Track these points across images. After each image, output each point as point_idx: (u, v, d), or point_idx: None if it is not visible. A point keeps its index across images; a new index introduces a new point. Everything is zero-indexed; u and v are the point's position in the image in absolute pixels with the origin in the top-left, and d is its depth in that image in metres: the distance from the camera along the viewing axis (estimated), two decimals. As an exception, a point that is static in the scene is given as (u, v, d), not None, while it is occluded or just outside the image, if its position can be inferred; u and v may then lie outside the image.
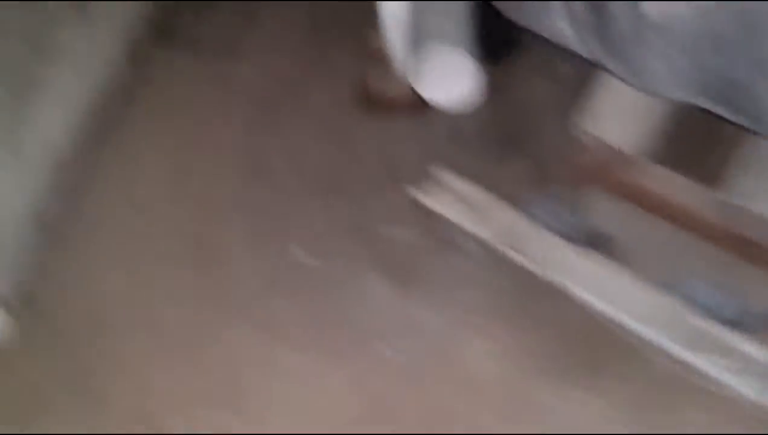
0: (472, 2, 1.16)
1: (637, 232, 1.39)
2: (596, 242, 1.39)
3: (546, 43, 1.14)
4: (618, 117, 1.29)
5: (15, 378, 1.45)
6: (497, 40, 1.34)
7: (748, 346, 1.25)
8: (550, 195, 1.44)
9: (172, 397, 1.38)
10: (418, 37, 1.15)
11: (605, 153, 1.33)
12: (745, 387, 1.23)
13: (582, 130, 1.35)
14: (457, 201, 1.45)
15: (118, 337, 1.47)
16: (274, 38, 1.74)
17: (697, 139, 1.36)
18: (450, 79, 1.13)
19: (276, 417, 1.36)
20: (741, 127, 0.95)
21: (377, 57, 1.55)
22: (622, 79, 1.02)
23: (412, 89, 1.22)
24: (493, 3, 1.08)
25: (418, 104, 1.26)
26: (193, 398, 1.38)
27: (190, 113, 1.68)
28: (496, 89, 1.35)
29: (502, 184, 1.45)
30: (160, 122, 1.67)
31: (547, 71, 1.50)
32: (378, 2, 1.29)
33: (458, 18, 1.15)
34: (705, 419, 1.25)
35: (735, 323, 1.27)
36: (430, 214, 1.47)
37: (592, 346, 1.33)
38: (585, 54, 1.04)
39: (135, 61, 1.71)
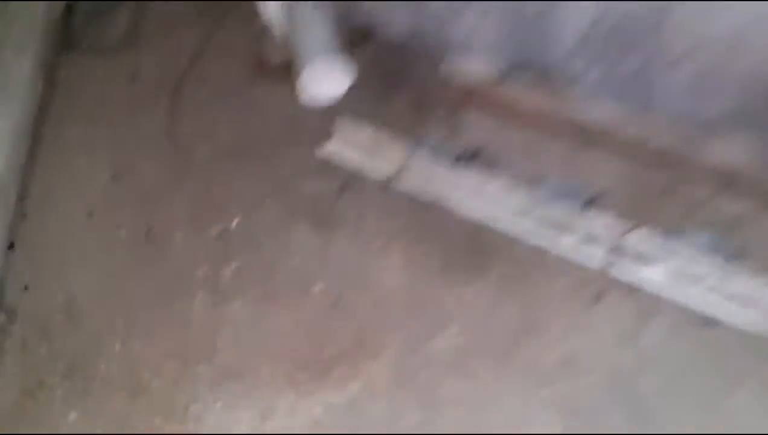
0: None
1: (504, 141, 1.66)
2: (472, 157, 1.65)
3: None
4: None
5: (12, 375, 1.72)
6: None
7: (598, 222, 1.55)
8: (431, 125, 1.69)
9: (152, 362, 1.66)
10: (297, 47, 1.39)
11: (471, 80, 1.59)
12: (591, 257, 1.54)
13: (450, 67, 1.60)
14: (355, 146, 1.70)
15: (95, 323, 1.72)
16: (169, 24, 1.93)
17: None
18: (326, 82, 1.39)
19: (241, 359, 1.64)
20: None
21: (266, 29, 1.75)
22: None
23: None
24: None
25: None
26: (170, 359, 1.66)
27: (111, 110, 1.88)
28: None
29: (392, 121, 1.71)
30: (86, 125, 1.87)
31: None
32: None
33: (327, 28, 1.39)
34: (559, 287, 1.58)
35: (586, 204, 1.57)
36: (335, 163, 1.72)
37: (476, 247, 1.62)
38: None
39: (47, 74, 1.90)
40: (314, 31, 1.41)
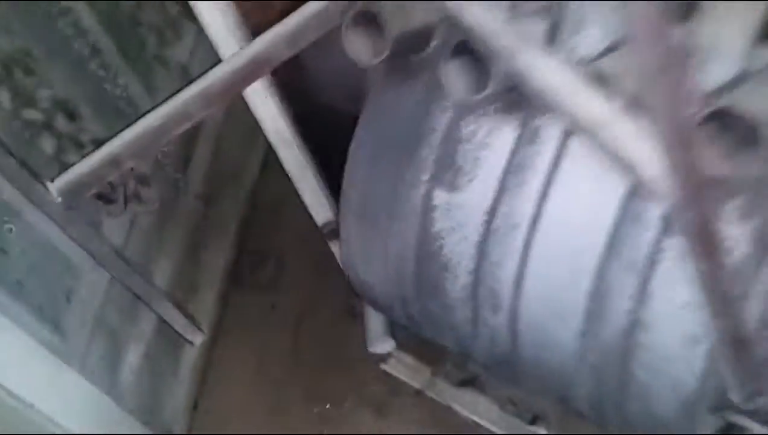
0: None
1: (488, 375, 2.82)
2: (470, 381, 2.82)
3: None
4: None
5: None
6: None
7: (538, 430, 2.68)
8: (448, 359, 2.87)
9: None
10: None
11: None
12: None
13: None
14: (402, 367, 2.90)
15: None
16: (297, 273, 3.20)
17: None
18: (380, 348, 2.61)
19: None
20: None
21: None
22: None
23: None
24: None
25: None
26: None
27: (259, 327, 3.13)
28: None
29: (425, 356, 2.90)
30: (241, 337, 3.12)
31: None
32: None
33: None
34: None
35: (532, 421, 2.70)
36: (392, 374, 2.91)
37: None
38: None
39: (221, 304, 3.17)
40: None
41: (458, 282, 1.85)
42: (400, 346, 2.91)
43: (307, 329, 3.10)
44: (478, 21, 1.47)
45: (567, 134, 1.63)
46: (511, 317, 1.84)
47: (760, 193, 1.57)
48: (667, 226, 1.56)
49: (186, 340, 2.91)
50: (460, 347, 2.11)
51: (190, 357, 3.00)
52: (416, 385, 2.87)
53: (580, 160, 1.64)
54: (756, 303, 1.56)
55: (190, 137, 3.00)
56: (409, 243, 1.87)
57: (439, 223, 1.81)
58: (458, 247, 1.81)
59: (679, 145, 0.90)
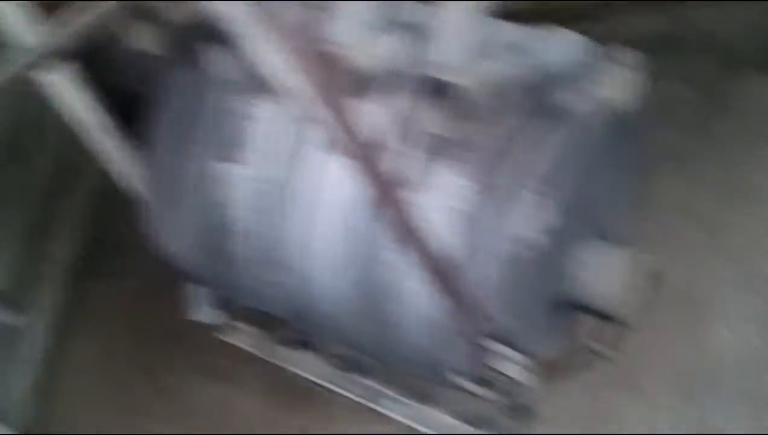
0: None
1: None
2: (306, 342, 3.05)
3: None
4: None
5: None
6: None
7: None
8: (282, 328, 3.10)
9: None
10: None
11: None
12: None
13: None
14: (240, 333, 3.11)
15: None
16: (145, 261, 3.35)
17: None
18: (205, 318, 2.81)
19: None
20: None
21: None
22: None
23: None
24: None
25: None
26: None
27: (105, 318, 3.29)
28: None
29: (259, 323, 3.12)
30: (91, 331, 3.26)
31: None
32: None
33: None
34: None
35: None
36: (233, 343, 3.12)
37: (304, 388, 3.00)
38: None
39: (71, 292, 3.30)
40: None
41: (243, 247, 2.07)
42: (237, 314, 3.12)
43: (151, 310, 3.27)
44: (222, 11, 1.69)
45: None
46: (300, 276, 2.08)
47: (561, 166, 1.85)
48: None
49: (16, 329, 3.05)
50: (263, 307, 2.34)
51: (35, 343, 3.13)
52: (254, 351, 3.08)
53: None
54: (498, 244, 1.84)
55: (35, 129, 3.11)
56: (198, 214, 2.09)
57: (220, 193, 2.03)
58: (239, 214, 2.03)
59: (327, 105, 1.14)
